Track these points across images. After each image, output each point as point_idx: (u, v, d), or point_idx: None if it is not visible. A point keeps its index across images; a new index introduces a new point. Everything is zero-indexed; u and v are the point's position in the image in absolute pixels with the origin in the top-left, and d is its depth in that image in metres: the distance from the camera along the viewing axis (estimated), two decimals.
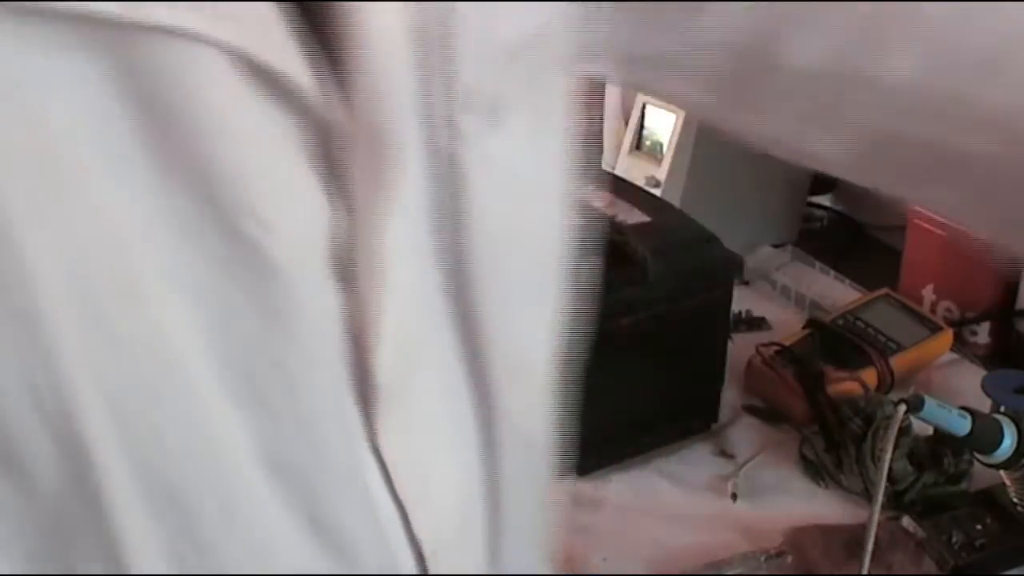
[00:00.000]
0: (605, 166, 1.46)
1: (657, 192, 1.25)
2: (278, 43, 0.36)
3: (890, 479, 0.89)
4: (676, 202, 1.24)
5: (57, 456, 0.37)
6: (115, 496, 0.38)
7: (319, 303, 0.40)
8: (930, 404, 0.82)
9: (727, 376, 1.06)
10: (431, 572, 0.45)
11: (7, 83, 0.33)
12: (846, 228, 1.47)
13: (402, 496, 0.44)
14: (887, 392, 1.06)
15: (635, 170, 1.32)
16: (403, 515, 0.44)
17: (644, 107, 1.33)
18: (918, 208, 1.21)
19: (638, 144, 1.34)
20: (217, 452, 0.39)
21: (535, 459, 0.55)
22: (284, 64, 0.36)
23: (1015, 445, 0.86)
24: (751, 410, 1.08)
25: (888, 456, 0.81)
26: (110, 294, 0.36)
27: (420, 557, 0.45)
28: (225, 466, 0.40)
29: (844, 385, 1.04)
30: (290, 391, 0.40)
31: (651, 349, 0.98)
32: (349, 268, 0.40)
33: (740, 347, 1.11)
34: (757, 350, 1.10)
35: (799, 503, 0.96)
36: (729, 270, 1.03)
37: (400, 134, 0.39)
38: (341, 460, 0.42)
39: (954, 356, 1.15)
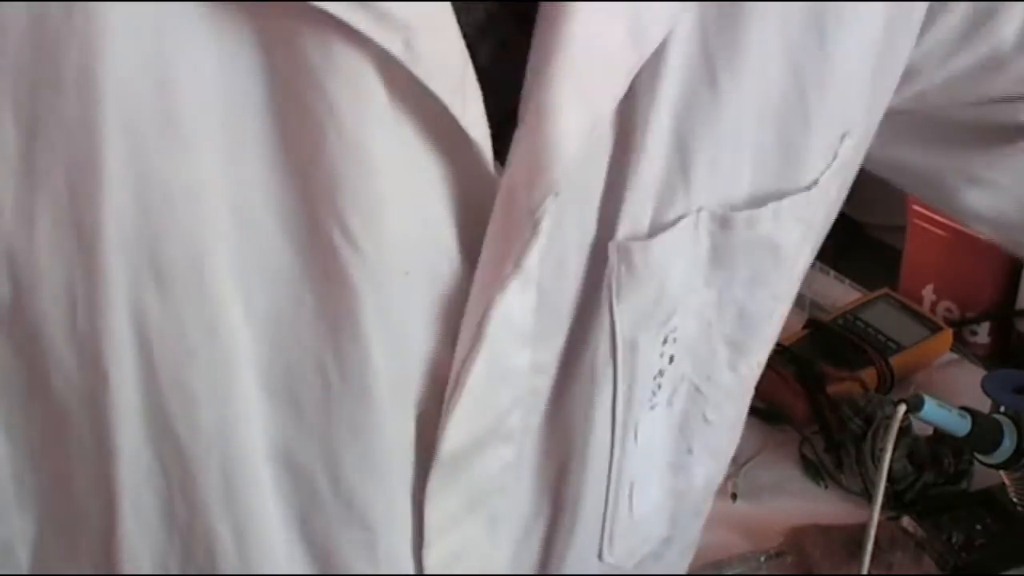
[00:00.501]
0: None
1: None
2: (439, 61, 0.35)
3: (890, 479, 0.89)
4: None
5: (75, 366, 0.37)
6: (120, 424, 0.38)
7: (386, 332, 0.39)
8: (930, 404, 0.82)
9: None
10: None
11: (153, 48, 0.33)
12: (846, 228, 1.46)
13: (425, 558, 0.43)
14: (887, 392, 1.06)
15: None
16: (418, 544, 0.43)
17: None
18: (918, 208, 1.21)
19: None
20: (233, 429, 0.39)
21: None
22: (442, 88, 0.35)
23: (1015, 445, 0.86)
24: (751, 410, 1.07)
25: (888, 456, 0.81)
26: (174, 245, 0.36)
27: None
28: (237, 445, 0.39)
29: (844, 385, 1.04)
30: (323, 400, 0.40)
31: None
32: (453, 318, 0.40)
33: None
34: None
35: (799, 503, 0.96)
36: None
37: (549, 213, 0.38)
38: (354, 488, 0.41)
39: (954, 356, 1.15)
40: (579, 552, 0.48)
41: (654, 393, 0.47)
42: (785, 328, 1.19)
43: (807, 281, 1.28)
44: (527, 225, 0.38)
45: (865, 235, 1.44)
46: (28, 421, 0.39)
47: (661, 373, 0.47)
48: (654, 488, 0.50)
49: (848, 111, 0.47)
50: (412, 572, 0.44)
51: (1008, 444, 0.86)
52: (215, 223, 0.36)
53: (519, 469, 0.45)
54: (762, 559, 0.89)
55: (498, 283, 0.39)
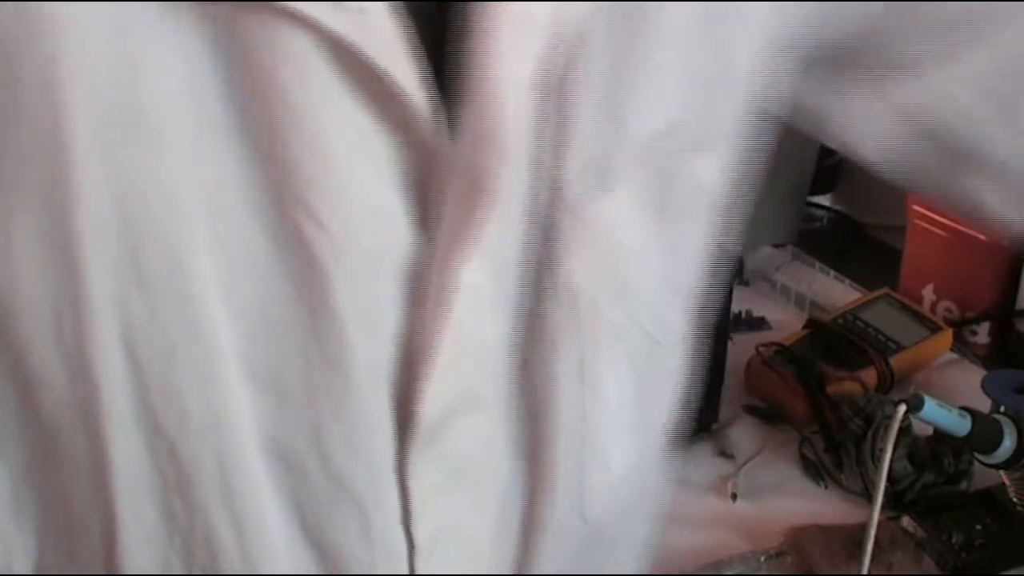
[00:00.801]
0: None
1: None
2: (388, 43, 0.36)
3: (890, 479, 0.89)
4: None
5: (65, 380, 0.38)
6: (115, 433, 0.39)
7: (360, 312, 0.40)
8: (930, 404, 0.82)
9: (727, 376, 1.06)
10: None
11: (117, 44, 0.34)
12: (846, 228, 1.46)
13: (414, 533, 0.44)
14: (887, 392, 1.06)
15: None
16: (411, 551, 0.44)
17: None
18: (918, 208, 1.21)
19: None
20: (223, 423, 0.40)
21: (597, 551, 0.53)
22: (392, 66, 0.36)
23: (1015, 445, 0.86)
24: (751, 410, 1.08)
25: (888, 456, 0.81)
26: (154, 247, 0.37)
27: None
28: (228, 439, 0.40)
29: (844, 385, 1.04)
30: (307, 384, 0.40)
31: None
32: (418, 291, 0.41)
33: (740, 347, 1.11)
34: (757, 350, 1.10)
35: (799, 503, 0.96)
36: (729, 270, 1.03)
37: (502, 182, 0.39)
38: (343, 469, 0.42)
39: (954, 356, 1.15)
40: (561, 515, 0.49)
41: (615, 348, 0.48)
42: (785, 328, 1.20)
43: (807, 281, 1.28)
44: (482, 196, 0.39)
45: (865, 235, 1.44)
46: (21, 440, 0.40)
47: (621, 328, 0.48)
48: (625, 443, 0.51)
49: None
50: (405, 548, 0.44)
51: (1008, 444, 0.86)
52: (191, 221, 0.37)
53: (495, 437, 0.46)
54: (762, 559, 0.89)
55: (459, 255, 0.40)
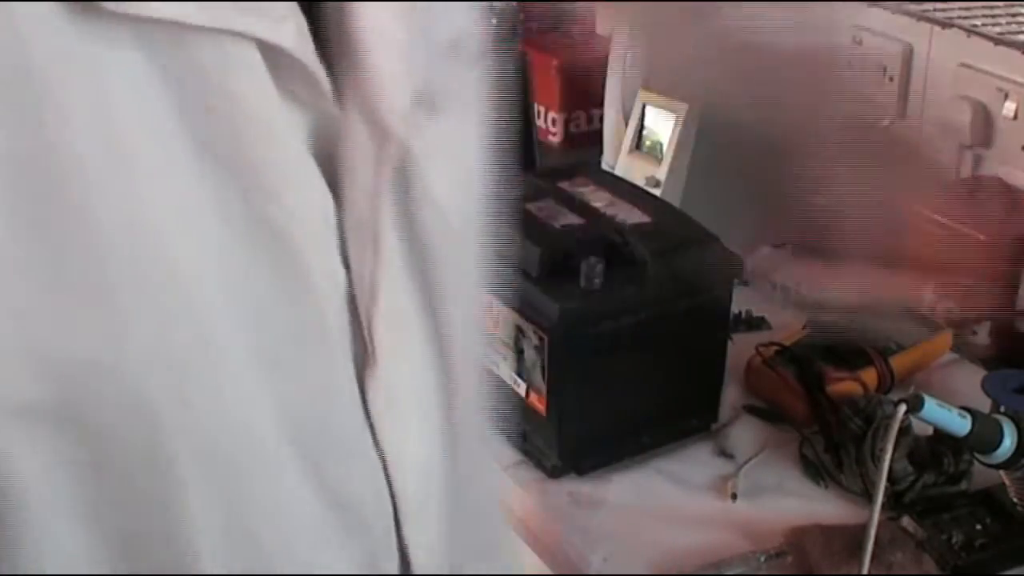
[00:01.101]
0: (605, 166, 1.46)
1: (657, 192, 1.25)
2: (294, 34, 0.41)
3: (890, 479, 0.89)
4: (676, 202, 1.24)
5: (128, 430, 0.41)
6: (180, 465, 0.42)
7: (328, 278, 0.45)
8: (930, 404, 0.82)
9: (727, 376, 1.06)
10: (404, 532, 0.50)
11: (82, 72, 0.37)
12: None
13: (384, 450, 0.49)
14: (887, 392, 1.06)
15: (635, 170, 1.32)
16: (385, 469, 0.49)
17: (644, 107, 1.33)
18: (918, 208, 1.21)
19: (638, 144, 1.34)
20: (246, 420, 0.44)
21: (486, 450, 0.61)
22: (302, 54, 0.41)
23: (1015, 445, 0.86)
24: (751, 410, 1.08)
25: (888, 456, 0.81)
26: (159, 273, 0.40)
27: (396, 516, 0.50)
28: (255, 435, 0.44)
29: (844, 385, 1.04)
30: (302, 353, 0.45)
31: (651, 349, 0.98)
32: (345, 249, 0.46)
33: (740, 347, 1.11)
34: (757, 350, 1.10)
35: (799, 503, 0.96)
36: (729, 270, 1.03)
37: (387, 126, 0.45)
38: (346, 420, 0.47)
39: (954, 356, 1.15)
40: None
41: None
42: (785, 328, 1.20)
43: (807, 281, 1.28)
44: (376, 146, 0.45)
45: None
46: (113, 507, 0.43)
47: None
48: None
49: None
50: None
51: (1008, 444, 0.86)
52: (189, 244, 0.41)
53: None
54: (762, 559, 0.89)
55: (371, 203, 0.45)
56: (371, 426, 0.48)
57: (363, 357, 0.47)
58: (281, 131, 0.42)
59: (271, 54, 0.41)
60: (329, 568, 0.48)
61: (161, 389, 0.41)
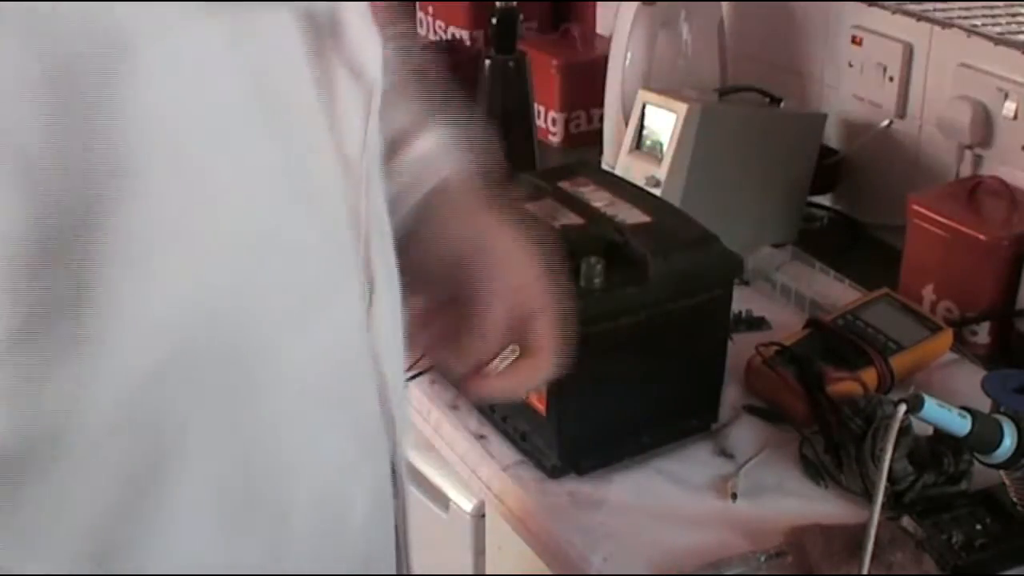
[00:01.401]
0: (605, 165, 1.46)
1: (657, 192, 1.25)
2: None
3: (890, 479, 0.89)
4: (676, 202, 1.24)
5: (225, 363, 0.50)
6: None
7: (367, 212, 0.56)
8: (930, 404, 0.82)
9: (727, 376, 1.06)
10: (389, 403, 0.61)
11: (160, 35, 0.43)
12: (846, 228, 1.47)
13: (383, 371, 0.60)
14: (887, 392, 1.06)
15: (635, 170, 1.31)
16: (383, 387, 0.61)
17: (644, 107, 1.33)
18: (918, 208, 1.21)
19: (638, 144, 1.34)
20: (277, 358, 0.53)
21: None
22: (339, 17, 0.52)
23: (1015, 445, 0.86)
24: (751, 410, 1.08)
25: (888, 456, 0.81)
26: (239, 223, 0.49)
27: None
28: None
29: (844, 385, 1.04)
30: (300, 275, 0.53)
31: (651, 349, 0.98)
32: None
33: (740, 347, 1.11)
34: (757, 350, 1.10)
35: (799, 503, 0.96)
36: (729, 270, 1.03)
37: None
38: (361, 347, 0.59)
39: (954, 356, 1.15)
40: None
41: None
42: (785, 328, 1.20)
43: (807, 281, 1.28)
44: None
45: (865, 235, 1.44)
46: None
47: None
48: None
49: None
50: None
51: (1008, 444, 0.86)
52: (250, 200, 0.49)
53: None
54: (762, 559, 0.89)
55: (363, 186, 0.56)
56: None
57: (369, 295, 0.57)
58: (311, 81, 0.51)
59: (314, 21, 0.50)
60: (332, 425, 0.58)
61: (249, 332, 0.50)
